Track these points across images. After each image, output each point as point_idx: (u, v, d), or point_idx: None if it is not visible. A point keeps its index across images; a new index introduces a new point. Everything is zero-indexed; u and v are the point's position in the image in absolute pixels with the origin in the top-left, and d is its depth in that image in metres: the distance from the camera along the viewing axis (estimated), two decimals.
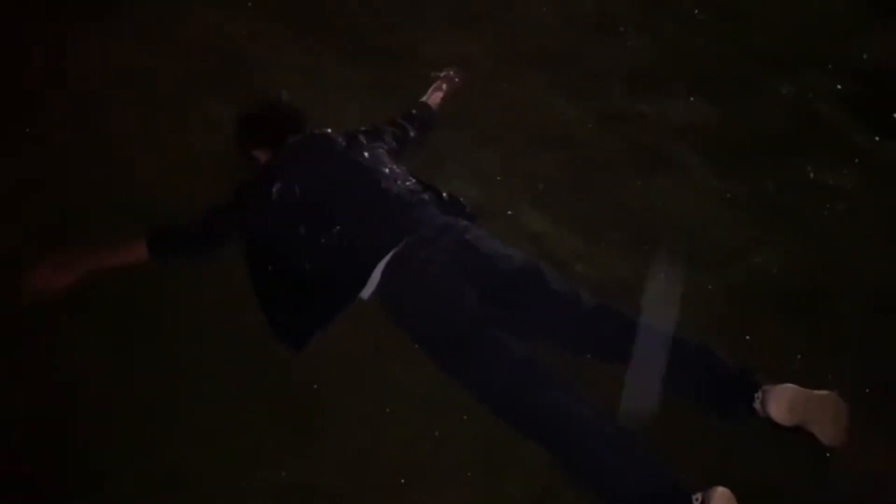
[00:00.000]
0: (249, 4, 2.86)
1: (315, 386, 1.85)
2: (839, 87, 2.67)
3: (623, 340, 1.73)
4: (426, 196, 2.01)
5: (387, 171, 2.02)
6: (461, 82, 2.57)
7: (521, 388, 1.64)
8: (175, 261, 1.98)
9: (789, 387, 1.56)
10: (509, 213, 2.23)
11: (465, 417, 1.77)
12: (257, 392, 1.83)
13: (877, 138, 2.49)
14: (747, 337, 1.95)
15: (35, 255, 1.95)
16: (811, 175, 2.40)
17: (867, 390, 1.83)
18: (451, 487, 1.69)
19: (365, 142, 2.12)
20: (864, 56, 2.81)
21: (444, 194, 2.09)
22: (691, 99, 2.65)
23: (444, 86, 2.53)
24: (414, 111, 2.37)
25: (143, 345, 1.90)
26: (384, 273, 1.85)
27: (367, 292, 1.88)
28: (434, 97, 2.48)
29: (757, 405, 1.58)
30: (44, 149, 2.32)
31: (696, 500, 1.45)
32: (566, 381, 1.65)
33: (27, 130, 2.36)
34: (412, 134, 2.29)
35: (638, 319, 1.75)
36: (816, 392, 1.56)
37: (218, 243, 1.99)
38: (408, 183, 2.03)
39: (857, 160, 2.42)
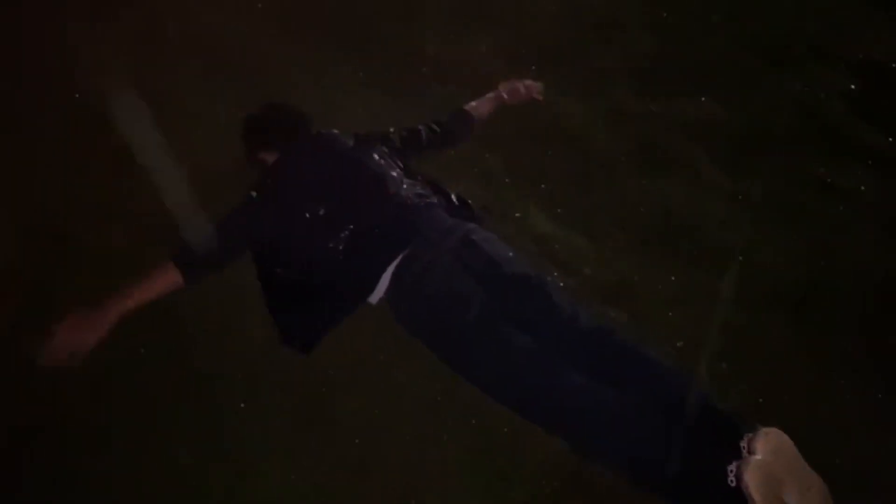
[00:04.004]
0: (259, 6, 2.85)
1: (323, 389, 1.85)
2: (852, 86, 2.64)
3: (614, 368, 1.67)
4: (434, 199, 1.99)
5: (394, 174, 2.00)
6: (520, 97, 2.48)
7: (535, 382, 1.64)
8: (206, 279, 1.92)
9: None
10: (517, 214, 2.23)
11: (472, 422, 1.77)
12: (264, 396, 1.83)
13: (890, 139, 2.47)
14: (755, 339, 1.94)
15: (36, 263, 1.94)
16: (821, 175, 2.37)
17: (880, 395, 1.82)
18: (458, 492, 1.69)
19: (372, 143, 2.11)
20: (875, 53, 2.78)
21: (454, 197, 2.07)
22: (700, 98, 2.63)
23: (501, 97, 2.44)
24: (444, 118, 2.30)
25: (148, 353, 1.90)
26: (392, 278, 1.83)
27: (375, 297, 1.87)
28: (481, 106, 2.39)
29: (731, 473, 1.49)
30: (46, 154, 2.33)
31: (743, 448, 1.47)
32: (578, 364, 1.65)
33: (28, 136, 2.36)
34: (425, 139, 2.23)
35: (634, 348, 1.69)
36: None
37: (242, 252, 1.96)
38: (416, 186, 2.00)
39: (869, 161, 2.39)
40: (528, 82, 2.50)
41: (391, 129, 2.22)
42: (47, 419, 1.79)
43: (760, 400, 1.81)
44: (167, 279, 1.84)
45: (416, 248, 1.83)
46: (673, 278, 2.08)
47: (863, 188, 2.32)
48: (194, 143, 2.37)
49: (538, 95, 2.51)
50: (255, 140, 2.20)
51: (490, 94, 2.43)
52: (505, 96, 2.45)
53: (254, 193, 2.00)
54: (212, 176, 2.26)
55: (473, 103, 2.39)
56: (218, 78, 2.58)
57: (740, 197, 2.31)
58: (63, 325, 1.72)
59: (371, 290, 1.85)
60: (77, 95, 2.50)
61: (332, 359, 1.87)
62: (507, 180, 2.34)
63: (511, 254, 1.85)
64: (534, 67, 2.68)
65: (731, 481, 1.46)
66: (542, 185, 2.32)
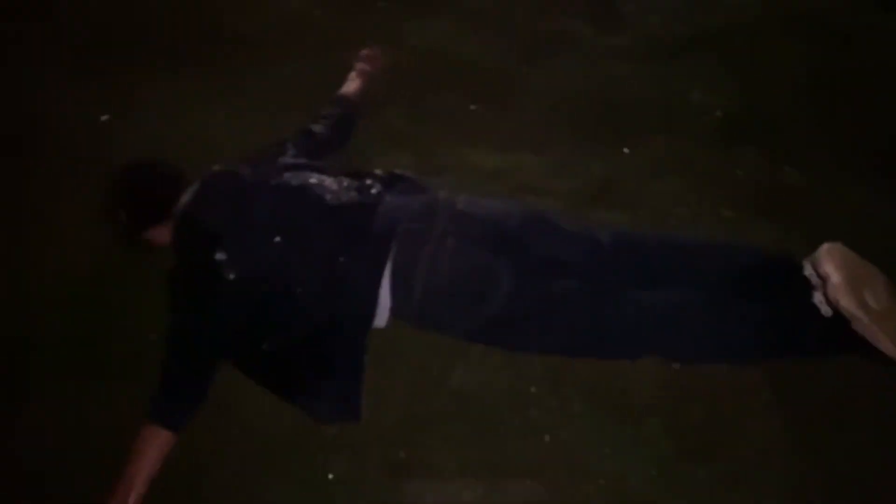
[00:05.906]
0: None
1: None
2: None
3: (657, 268, 1.62)
4: (375, 188, 1.71)
5: (314, 180, 1.70)
6: (387, 63, 2.22)
7: (599, 319, 1.54)
8: (196, 416, 1.61)
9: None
10: (455, 162, 2.00)
11: (532, 389, 1.62)
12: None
13: None
14: (738, 175, 1.94)
15: None
16: None
17: None
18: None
19: (272, 163, 1.78)
20: None
21: (384, 175, 1.79)
22: None
23: (366, 68, 2.17)
24: (325, 110, 2.01)
25: None
26: (393, 290, 1.58)
27: (381, 320, 1.61)
28: (353, 86, 2.11)
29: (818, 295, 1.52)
30: None
31: (812, 277, 1.49)
32: (626, 281, 1.57)
33: None
34: (318, 134, 1.94)
35: (662, 240, 1.65)
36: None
37: (217, 366, 1.63)
38: (344, 182, 1.72)
39: None
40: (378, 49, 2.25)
41: (283, 140, 1.89)
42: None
43: (789, 234, 1.80)
44: (161, 443, 1.54)
45: (405, 248, 1.58)
46: (635, 153, 2.01)
47: None
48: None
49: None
50: (135, 219, 1.77)
51: (352, 73, 2.15)
52: (366, 67, 2.18)
53: (187, 302, 1.64)
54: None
55: (344, 87, 2.12)
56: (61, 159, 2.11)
57: (629, 51, 2.27)
58: None
59: (371, 316, 1.59)
60: None
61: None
62: (417, 131, 2.10)
63: (500, 204, 1.67)
64: None
65: (826, 312, 1.46)
66: (455, 120, 2.12)
